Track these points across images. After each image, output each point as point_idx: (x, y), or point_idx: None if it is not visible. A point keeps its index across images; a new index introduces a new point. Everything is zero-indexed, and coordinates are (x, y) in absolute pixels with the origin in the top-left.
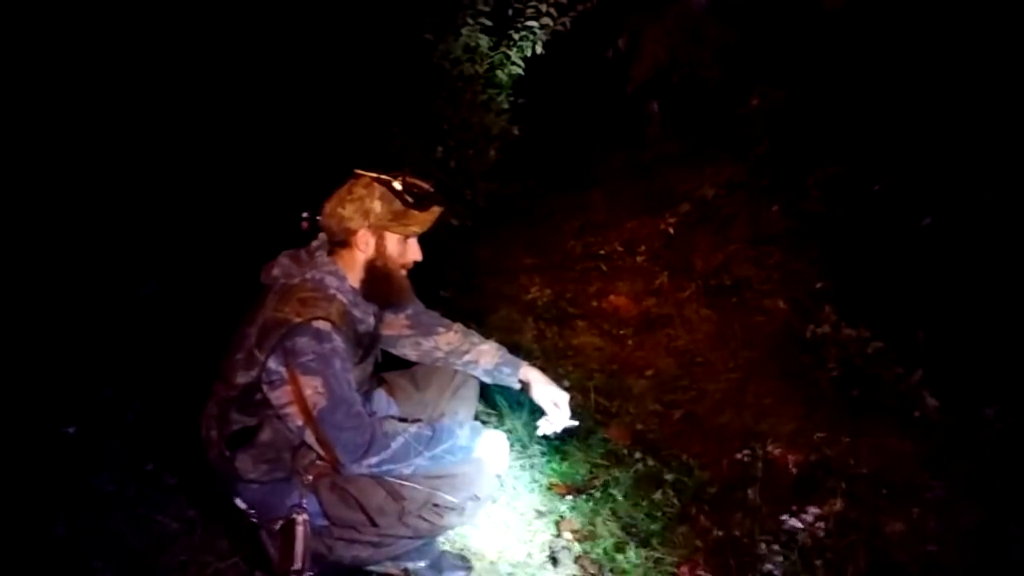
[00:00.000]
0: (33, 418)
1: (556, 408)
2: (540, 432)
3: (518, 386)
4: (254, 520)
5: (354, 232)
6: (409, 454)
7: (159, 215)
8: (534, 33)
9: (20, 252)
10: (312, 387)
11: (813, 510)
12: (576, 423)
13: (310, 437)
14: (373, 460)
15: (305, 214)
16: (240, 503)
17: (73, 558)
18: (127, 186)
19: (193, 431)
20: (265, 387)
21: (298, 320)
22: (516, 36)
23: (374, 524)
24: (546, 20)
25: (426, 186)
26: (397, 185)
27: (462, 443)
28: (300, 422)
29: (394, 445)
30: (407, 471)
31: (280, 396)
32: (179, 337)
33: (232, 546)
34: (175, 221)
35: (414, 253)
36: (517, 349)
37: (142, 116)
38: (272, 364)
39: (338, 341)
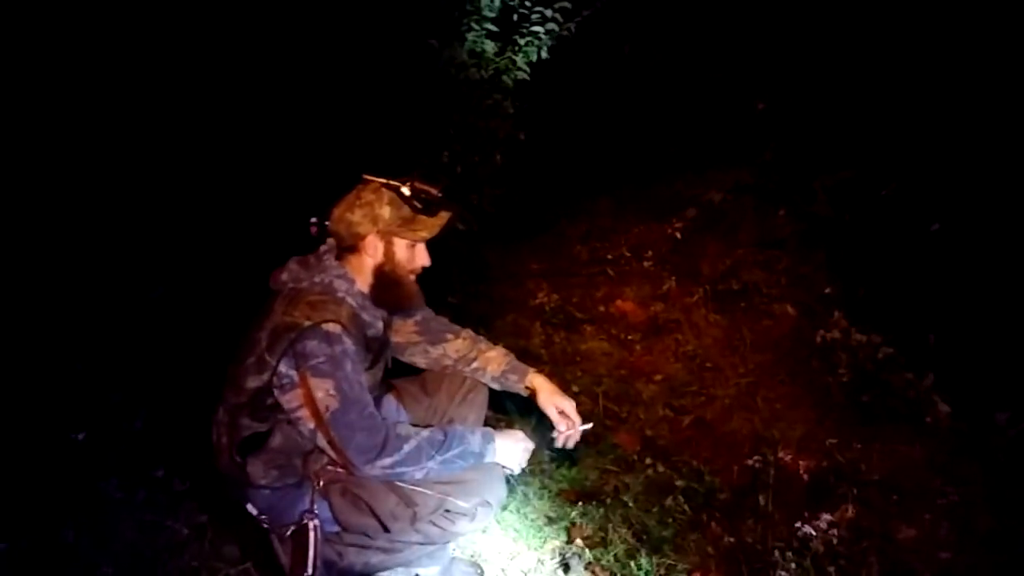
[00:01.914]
0: (42, 424)
1: (561, 417)
2: (558, 445)
3: (526, 393)
4: (265, 526)
5: (363, 237)
6: (421, 457)
7: (168, 221)
8: (539, 38)
9: (29, 257)
10: (324, 389)
11: (826, 516)
12: (590, 425)
13: (322, 440)
14: (387, 461)
15: (313, 220)
16: (251, 509)
17: (82, 564)
18: (136, 191)
19: (203, 436)
20: (276, 391)
21: (308, 323)
22: (521, 41)
23: (386, 530)
24: (551, 25)
25: (435, 191)
26: (406, 191)
27: (474, 448)
28: (312, 425)
29: (407, 447)
30: (419, 475)
31: (291, 400)
32: (188, 342)
33: (242, 552)
34: (184, 226)
35: (423, 258)
36: (525, 354)
37: (153, 122)
38: (283, 368)
39: (348, 343)
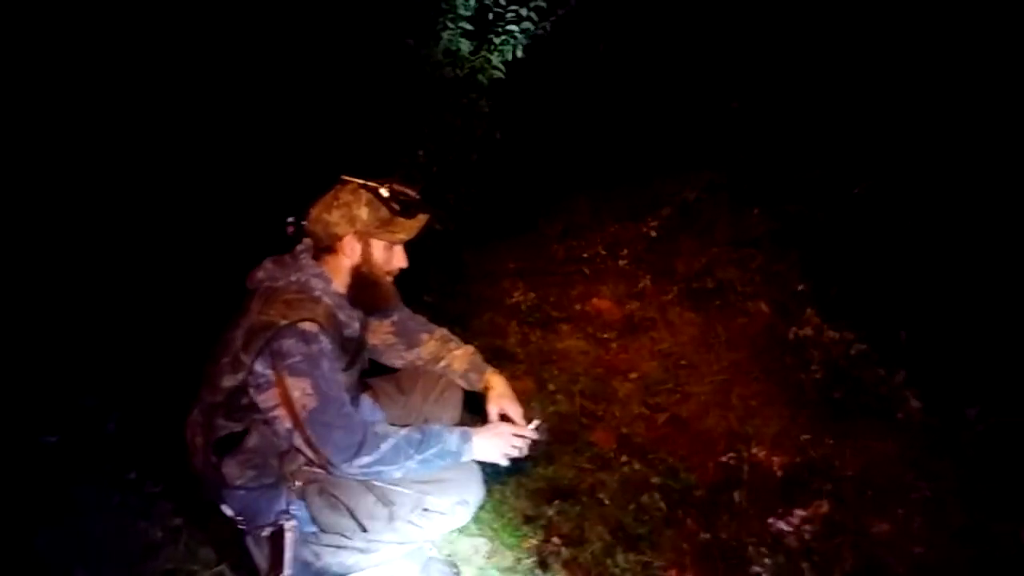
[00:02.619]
0: (13, 427)
1: (502, 421)
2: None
3: (485, 391)
4: (241, 527)
5: (340, 238)
6: (399, 456)
7: (142, 221)
8: (515, 37)
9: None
10: (300, 388)
11: (799, 512)
12: (537, 423)
13: (298, 440)
14: (365, 460)
15: (290, 219)
16: (227, 510)
17: (56, 568)
18: (112, 191)
19: (177, 438)
20: (252, 390)
21: (284, 322)
22: (497, 40)
23: (363, 529)
24: (527, 24)
25: (412, 193)
26: (384, 192)
27: (451, 447)
28: (288, 425)
29: (385, 446)
30: (397, 474)
31: (267, 399)
32: (161, 345)
33: (218, 554)
34: (158, 227)
35: (400, 260)
36: (501, 353)
37: (131, 120)
38: (259, 367)
39: (325, 342)
